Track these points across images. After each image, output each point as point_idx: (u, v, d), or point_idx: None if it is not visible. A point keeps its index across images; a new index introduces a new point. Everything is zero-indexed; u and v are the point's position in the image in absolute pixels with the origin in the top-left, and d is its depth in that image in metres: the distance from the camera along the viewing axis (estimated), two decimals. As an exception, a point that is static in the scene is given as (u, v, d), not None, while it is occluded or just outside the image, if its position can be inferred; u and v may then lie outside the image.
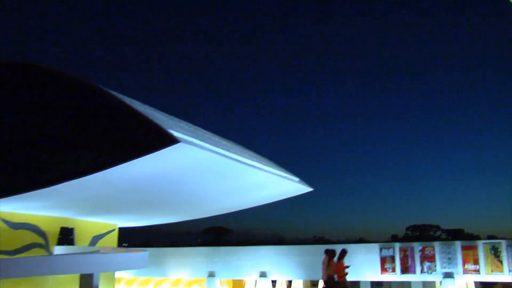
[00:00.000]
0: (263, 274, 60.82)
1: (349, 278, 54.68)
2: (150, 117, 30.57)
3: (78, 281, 41.93)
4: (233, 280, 70.36)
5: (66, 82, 35.57)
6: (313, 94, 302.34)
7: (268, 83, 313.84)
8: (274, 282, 68.61)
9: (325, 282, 14.96)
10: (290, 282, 69.50)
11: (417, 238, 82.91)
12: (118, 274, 59.87)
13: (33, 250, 44.30)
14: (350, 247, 57.16)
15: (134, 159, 30.52)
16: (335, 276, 14.74)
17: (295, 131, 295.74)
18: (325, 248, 15.67)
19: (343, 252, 15.00)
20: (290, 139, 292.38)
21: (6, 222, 42.63)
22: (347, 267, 14.66)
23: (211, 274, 63.93)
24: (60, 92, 35.64)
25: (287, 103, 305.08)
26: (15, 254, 42.23)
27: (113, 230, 56.82)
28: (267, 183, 44.65)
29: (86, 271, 40.54)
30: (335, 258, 14.80)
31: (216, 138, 41.55)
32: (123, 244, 75.19)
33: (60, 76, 35.99)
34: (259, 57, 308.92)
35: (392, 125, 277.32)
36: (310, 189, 49.88)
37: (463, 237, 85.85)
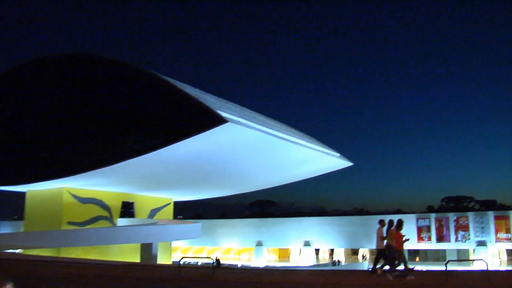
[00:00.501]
0: (307, 243, 62.31)
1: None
2: (200, 100, 32.05)
3: (139, 250, 44.32)
4: (279, 249, 71.96)
5: (122, 70, 37.48)
6: (353, 73, 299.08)
7: (311, 63, 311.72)
8: (317, 250, 69.99)
9: (381, 251, 15.81)
10: (332, 251, 70.79)
11: (452, 209, 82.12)
12: (174, 244, 62.33)
13: (99, 222, 46.51)
14: (388, 218, 58.13)
15: (186, 138, 32.01)
16: (394, 244, 15.65)
17: (336, 109, 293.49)
18: (379, 219, 16.52)
19: (400, 222, 15.77)
20: (331, 116, 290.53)
21: (75, 197, 45.12)
22: (404, 237, 15.46)
23: (259, 244, 65.69)
24: (118, 79, 37.58)
25: (330, 81, 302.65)
26: (84, 225, 44.46)
27: (169, 203, 58.75)
28: (309, 159, 45.31)
29: (146, 240, 42.72)
30: (393, 228, 15.71)
31: (262, 117, 42.64)
32: (178, 216, 77.59)
33: (116, 65, 37.98)
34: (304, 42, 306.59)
35: (427, 101, 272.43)
36: (350, 164, 50.57)
37: (495, 208, 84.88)
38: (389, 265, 16.16)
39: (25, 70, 41.99)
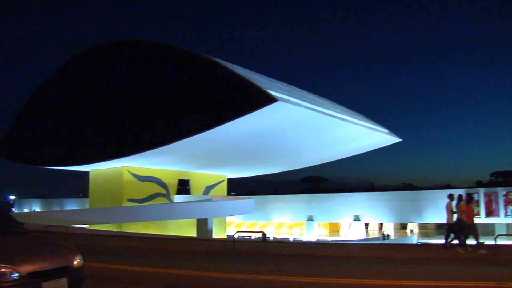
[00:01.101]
0: (356, 218, 61.94)
1: (435, 221, 54.99)
2: (251, 80, 32.26)
3: (195, 225, 45.13)
4: (329, 223, 71.93)
5: (178, 54, 37.90)
6: (400, 49, 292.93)
7: (360, 41, 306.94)
8: (366, 225, 69.60)
9: (451, 225, 15.43)
10: (381, 225, 70.27)
11: (501, 183, 79.57)
12: (228, 219, 63.23)
13: (157, 199, 47.52)
14: (436, 193, 57.31)
15: (238, 117, 32.38)
16: (464, 218, 15.25)
17: (384, 84, 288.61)
18: (448, 193, 16.06)
19: (470, 196, 15.35)
20: (379, 92, 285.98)
21: (134, 175, 46.28)
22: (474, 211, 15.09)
23: (310, 218, 65.73)
24: (174, 63, 38.01)
25: (377, 58, 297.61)
26: (143, 202, 45.77)
27: (223, 180, 59.43)
28: (358, 135, 44.82)
29: (202, 216, 43.44)
30: (462, 202, 15.29)
31: (310, 95, 42.43)
32: (232, 193, 78.31)
33: (172, 49, 38.38)
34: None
35: (476, 75, 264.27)
36: (398, 140, 49.88)
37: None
38: (459, 240, 15.81)
39: (85, 56, 43.08)
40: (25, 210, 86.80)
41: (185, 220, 45.28)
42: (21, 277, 6.23)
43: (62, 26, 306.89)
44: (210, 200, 45.57)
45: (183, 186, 49.53)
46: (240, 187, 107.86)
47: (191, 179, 50.13)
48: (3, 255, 6.46)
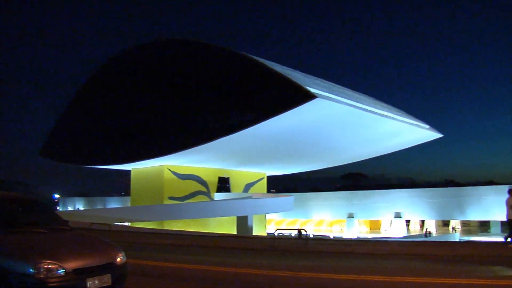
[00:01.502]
0: (397, 215, 61.14)
1: (479, 218, 53.72)
2: (290, 77, 32.28)
3: (235, 222, 45.37)
4: (370, 220, 71.19)
5: (217, 53, 38.16)
6: (441, 44, 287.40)
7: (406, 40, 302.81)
8: (408, 222, 68.61)
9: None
10: (422, 222, 69.12)
11: (546, 178, 77.30)
12: (268, 216, 63.19)
13: (197, 196, 47.96)
14: (480, 189, 56.03)
15: (277, 115, 32.38)
16: None
17: (424, 80, 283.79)
18: (508, 189, 15.53)
19: None
20: (420, 87, 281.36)
21: (175, 174, 46.82)
22: None
23: (350, 215, 65.22)
24: (213, 61, 38.27)
25: (418, 55, 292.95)
26: (183, 200, 46.27)
27: (263, 178, 59.44)
28: (398, 131, 44.16)
29: (241, 213, 43.61)
30: None
31: (349, 92, 42.01)
32: (272, 190, 78.34)
33: (211, 48, 38.72)
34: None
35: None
36: (439, 135, 49.00)
37: None
38: None
39: (127, 56, 43.81)
40: (69, 208, 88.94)
41: (225, 217, 45.54)
42: (66, 273, 6.43)
43: (104, 26, 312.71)
44: (250, 197, 45.73)
45: (223, 184, 49.87)
46: (280, 185, 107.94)
47: (231, 177, 50.40)
48: (50, 252, 6.67)
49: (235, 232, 41.97)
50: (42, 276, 6.23)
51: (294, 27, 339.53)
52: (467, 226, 65.44)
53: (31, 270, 6.23)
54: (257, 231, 47.57)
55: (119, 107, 43.33)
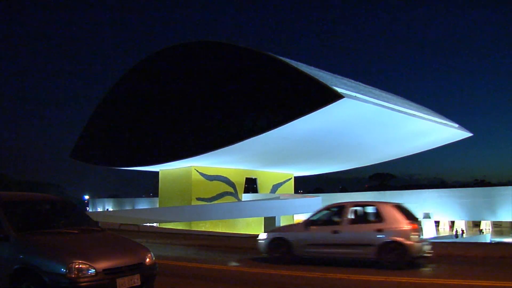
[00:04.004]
0: (427, 216, 60.23)
1: (511, 219, 52.77)
2: (317, 77, 32.19)
3: (263, 223, 45.43)
4: (399, 221, 70.29)
5: (244, 54, 38.14)
6: (471, 41, 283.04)
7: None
8: (437, 222, 67.55)
9: None
10: (452, 223, 68.06)
11: None
12: (296, 217, 62.90)
13: (225, 197, 48.16)
14: (511, 189, 54.97)
15: (305, 115, 32.32)
16: None
17: (455, 78, 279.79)
18: None
19: None
20: (449, 85, 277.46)
21: (203, 175, 47.07)
22: None
23: (379, 216, 64.62)
24: (240, 62, 38.31)
25: (447, 53, 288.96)
26: (211, 201, 46.42)
27: (290, 178, 59.31)
28: (427, 131, 43.63)
29: (269, 214, 43.63)
30: None
31: (377, 91, 41.64)
32: (299, 191, 78.18)
33: (238, 49, 38.72)
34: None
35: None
36: (469, 134, 48.26)
37: None
38: None
39: (155, 58, 44.25)
40: (99, 209, 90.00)
41: (253, 218, 45.60)
42: (97, 273, 6.56)
43: (131, 29, 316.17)
44: (277, 198, 45.77)
45: (251, 185, 49.97)
46: (307, 185, 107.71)
47: (258, 178, 50.47)
48: (81, 252, 6.81)
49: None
50: (73, 275, 6.37)
51: (320, 27, 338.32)
52: (498, 227, 64.20)
53: (63, 269, 6.39)
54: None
55: (148, 109, 43.78)
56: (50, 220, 8.25)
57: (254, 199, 46.38)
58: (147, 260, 7.41)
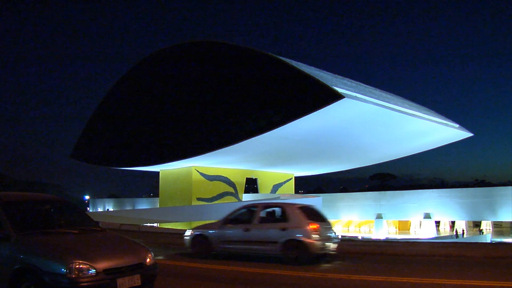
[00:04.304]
0: (427, 216, 60.17)
1: (511, 219, 52.75)
2: (317, 77, 32.18)
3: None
4: (399, 221, 70.29)
5: (243, 54, 38.08)
6: (473, 44, 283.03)
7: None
8: (437, 222, 67.47)
9: None
10: (453, 223, 67.99)
11: None
12: (296, 217, 62.28)
13: (225, 197, 48.33)
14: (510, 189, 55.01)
15: (304, 115, 32.31)
16: None
17: (454, 78, 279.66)
18: None
19: None
20: (449, 85, 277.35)
21: (203, 175, 47.07)
22: None
23: (379, 216, 64.46)
24: (239, 62, 38.27)
25: (448, 53, 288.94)
26: (212, 201, 46.45)
27: (290, 179, 59.43)
28: (428, 131, 43.62)
29: (270, 214, 43.72)
30: None
31: (377, 91, 41.64)
32: (299, 191, 78.31)
33: (237, 49, 38.67)
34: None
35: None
36: (470, 134, 48.33)
37: None
38: None
39: (154, 59, 44.27)
40: (99, 210, 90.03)
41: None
42: (97, 273, 6.57)
43: (131, 29, 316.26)
44: (278, 198, 45.69)
45: (251, 185, 49.98)
46: (307, 185, 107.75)
47: (258, 178, 50.50)
48: (81, 252, 6.82)
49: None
50: (73, 275, 6.39)
51: (321, 27, 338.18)
52: (499, 227, 64.19)
53: (63, 269, 6.40)
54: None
55: (148, 109, 43.78)
56: (51, 220, 8.27)
57: (254, 199, 46.31)
58: (148, 260, 7.42)
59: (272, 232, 13.83)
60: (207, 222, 39.34)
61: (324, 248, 13.70)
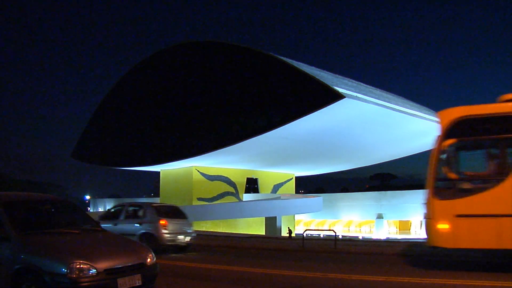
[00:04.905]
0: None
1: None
2: (317, 77, 32.14)
3: (264, 223, 45.33)
4: (399, 221, 70.17)
5: (243, 53, 38.09)
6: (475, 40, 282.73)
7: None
8: (438, 222, 67.09)
9: None
10: (455, 223, 67.87)
11: None
12: (297, 217, 63.00)
13: (226, 197, 48.28)
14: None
15: (305, 115, 32.28)
16: None
17: (455, 78, 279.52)
18: None
19: None
20: (450, 85, 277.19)
21: (204, 175, 47.04)
22: None
23: (379, 216, 64.38)
24: (239, 62, 38.26)
25: (448, 51, 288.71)
26: (212, 201, 46.46)
27: (291, 179, 59.40)
28: (428, 130, 43.43)
29: (270, 214, 43.55)
30: None
31: (378, 91, 41.61)
32: (300, 191, 78.18)
33: (237, 49, 38.66)
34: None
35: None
36: (470, 134, 47.93)
37: None
38: None
39: (154, 59, 44.30)
40: (100, 209, 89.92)
41: (254, 218, 45.57)
42: (98, 273, 6.59)
43: (131, 29, 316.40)
44: (278, 198, 45.77)
45: (252, 185, 49.97)
46: (308, 185, 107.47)
47: (259, 178, 50.49)
48: (82, 252, 6.85)
49: (263, 233, 41.95)
50: (74, 275, 6.40)
51: (322, 26, 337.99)
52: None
53: (63, 269, 6.42)
54: (286, 232, 47.60)
55: (148, 110, 43.81)
56: (51, 220, 8.31)
57: (255, 199, 46.33)
58: (148, 260, 7.45)
59: (132, 226, 16.83)
60: (207, 222, 39.22)
61: (175, 240, 16.90)
